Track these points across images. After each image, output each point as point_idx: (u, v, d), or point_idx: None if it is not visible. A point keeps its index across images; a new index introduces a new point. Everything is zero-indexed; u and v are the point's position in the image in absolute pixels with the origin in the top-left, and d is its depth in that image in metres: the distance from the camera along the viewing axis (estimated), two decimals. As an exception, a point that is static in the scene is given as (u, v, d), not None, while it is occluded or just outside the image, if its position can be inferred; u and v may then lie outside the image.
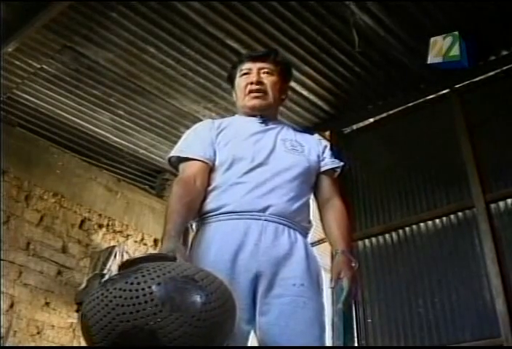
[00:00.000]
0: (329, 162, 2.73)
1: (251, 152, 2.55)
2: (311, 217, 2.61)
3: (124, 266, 1.82)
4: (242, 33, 5.22)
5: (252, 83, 2.72)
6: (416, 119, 5.86)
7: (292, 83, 5.68)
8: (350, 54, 5.46)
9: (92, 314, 1.69)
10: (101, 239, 6.52)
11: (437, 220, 5.30)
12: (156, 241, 7.01)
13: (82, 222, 6.44)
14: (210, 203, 2.45)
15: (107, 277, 1.41)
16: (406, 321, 5.12)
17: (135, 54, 5.49)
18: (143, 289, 1.64)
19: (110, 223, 6.69)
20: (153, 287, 1.64)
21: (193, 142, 2.63)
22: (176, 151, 2.64)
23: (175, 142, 6.75)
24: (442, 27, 5.12)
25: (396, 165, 5.79)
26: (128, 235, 6.78)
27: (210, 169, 2.54)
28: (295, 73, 5.61)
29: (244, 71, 2.77)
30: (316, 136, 2.97)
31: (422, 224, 5.38)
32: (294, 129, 2.88)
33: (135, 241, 6.82)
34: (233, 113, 5.99)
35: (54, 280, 5.94)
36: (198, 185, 2.45)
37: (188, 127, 6.56)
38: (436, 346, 4.88)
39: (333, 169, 2.75)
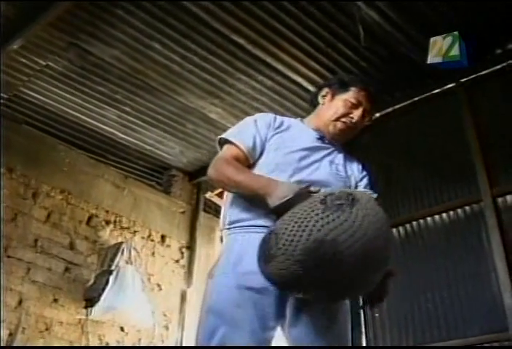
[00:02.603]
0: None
1: (293, 166, 2.54)
2: None
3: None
4: (248, 29, 5.21)
5: (352, 118, 2.72)
6: (423, 114, 5.85)
7: (299, 79, 5.70)
8: (356, 50, 5.45)
9: (337, 229, 1.99)
10: (108, 235, 6.53)
11: (444, 215, 5.31)
12: (163, 237, 7.03)
13: (89, 218, 6.44)
14: (241, 213, 2.45)
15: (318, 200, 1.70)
16: (415, 315, 5.12)
17: (141, 51, 5.50)
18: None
19: (118, 219, 6.70)
20: (365, 223, 2.02)
21: (247, 132, 2.62)
22: (228, 134, 2.64)
23: (182, 139, 6.75)
24: (449, 22, 5.11)
25: (403, 160, 5.79)
26: (135, 232, 6.78)
27: (248, 164, 2.55)
28: (302, 68, 5.62)
29: (354, 102, 2.74)
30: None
31: (429, 218, 5.38)
32: (346, 153, 2.87)
33: (142, 237, 6.83)
34: (240, 109, 6.02)
35: (62, 277, 5.96)
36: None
37: (194, 123, 6.64)
38: (441, 346, 4.88)
39: None
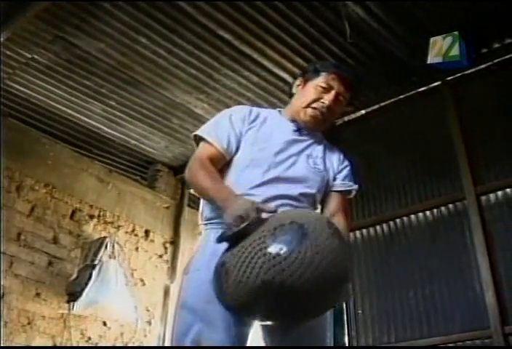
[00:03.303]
0: (339, 184, 2.69)
1: (269, 161, 2.51)
2: None
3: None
4: (234, 24, 5.20)
5: (323, 102, 2.65)
6: (408, 111, 5.87)
7: (285, 75, 5.70)
8: (342, 46, 5.45)
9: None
10: (92, 230, 6.50)
11: (428, 212, 5.33)
12: (147, 231, 7.01)
13: (73, 212, 6.42)
14: (217, 210, 2.41)
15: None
16: (397, 312, 5.15)
17: (127, 45, 5.48)
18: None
19: (102, 214, 6.68)
20: (316, 260, 1.97)
21: (222, 129, 2.59)
22: (203, 131, 2.61)
23: (167, 133, 6.73)
24: (435, 20, 5.14)
25: (387, 157, 5.80)
26: (119, 226, 6.77)
27: (225, 161, 2.54)
28: (288, 64, 5.62)
29: (325, 85, 2.68)
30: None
31: (413, 216, 5.40)
32: (326, 144, 2.81)
33: (126, 232, 6.81)
34: (226, 105, 6.00)
35: (45, 270, 5.93)
36: (215, 167, 2.48)
37: (180, 118, 6.62)
38: (430, 345, 4.91)
39: (344, 191, 2.71)
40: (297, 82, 2.83)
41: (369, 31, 5.27)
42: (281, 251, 1.96)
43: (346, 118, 6.32)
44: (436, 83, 5.76)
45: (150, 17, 5.15)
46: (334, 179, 2.69)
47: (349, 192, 2.74)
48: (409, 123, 5.81)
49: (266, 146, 2.57)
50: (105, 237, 6.34)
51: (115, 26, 5.26)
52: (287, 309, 1.99)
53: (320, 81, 2.70)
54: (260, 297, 1.97)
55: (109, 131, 6.78)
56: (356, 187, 2.75)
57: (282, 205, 2.42)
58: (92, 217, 6.58)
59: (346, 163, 2.80)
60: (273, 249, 1.98)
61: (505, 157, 5.05)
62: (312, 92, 2.69)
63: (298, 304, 1.98)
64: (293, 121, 2.72)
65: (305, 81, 2.77)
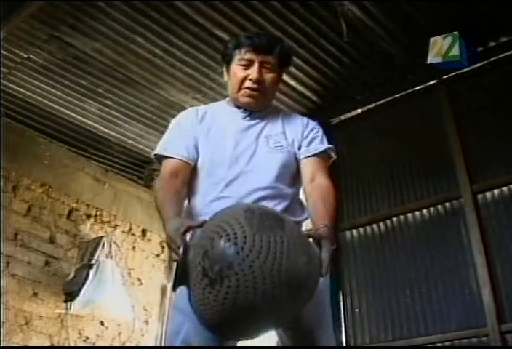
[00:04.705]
0: (304, 150, 2.59)
1: (228, 156, 2.49)
2: (301, 208, 2.54)
3: None
4: (230, 23, 5.20)
5: (251, 79, 2.56)
6: (404, 110, 5.87)
7: (280, 74, 5.66)
8: (338, 45, 5.46)
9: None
10: (89, 229, 6.51)
11: (424, 211, 5.33)
12: (143, 231, 7.02)
13: (70, 212, 6.42)
14: (194, 218, 2.43)
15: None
16: (393, 310, 5.15)
17: (123, 44, 5.47)
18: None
19: (98, 213, 6.69)
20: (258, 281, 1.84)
21: (176, 139, 2.60)
22: (160, 149, 2.61)
23: (163, 133, 6.73)
24: (431, 19, 5.14)
25: (383, 156, 5.80)
26: (116, 226, 6.77)
27: (191, 168, 2.53)
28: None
29: (244, 62, 2.59)
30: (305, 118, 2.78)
31: (409, 214, 5.40)
32: (283, 116, 2.73)
33: (123, 232, 6.82)
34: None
35: (41, 270, 5.94)
36: (178, 181, 2.46)
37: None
38: (426, 344, 4.91)
39: (315, 154, 2.59)
40: (223, 69, 2.77)
41: (365, 30, 5.27)
42: (221, 284, 1.86)
43: (342, 117, 6.33)
44: (431, 82, 5.76)
45: (146, 17, 5.14)
46: (300, 147, 2.59)
47: (325, 153, 2.63)
48: (404, 122, 5.81)
49: (221, 143, 2.54)
50: (101, 236, 6.35)
51: (111, 25, 5.25)
52: (264, 326, 1.97)
53: (237, 59, 2.62)
54: (228, 328, 1.94)
55: (105, 130, 6.77)
56: (324, 147, 2.63)
57: (260, 198, 2.40)
58: (88, 216, 6.58)
59: (311, 126, 2.70)
60: (212, 284, 1.88)
61: (501, 155, 5.06)
62: (237, 73, 2.61)
63: (272, 317, 1.93)
64: (239, 107, 2.66)
65: (228, 65, 2.70)
